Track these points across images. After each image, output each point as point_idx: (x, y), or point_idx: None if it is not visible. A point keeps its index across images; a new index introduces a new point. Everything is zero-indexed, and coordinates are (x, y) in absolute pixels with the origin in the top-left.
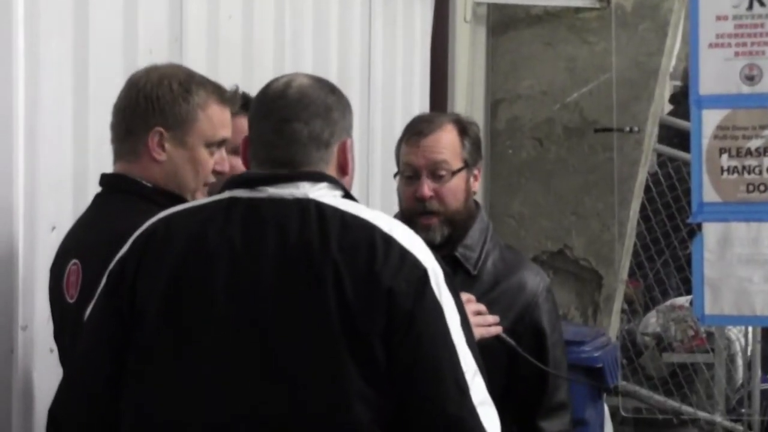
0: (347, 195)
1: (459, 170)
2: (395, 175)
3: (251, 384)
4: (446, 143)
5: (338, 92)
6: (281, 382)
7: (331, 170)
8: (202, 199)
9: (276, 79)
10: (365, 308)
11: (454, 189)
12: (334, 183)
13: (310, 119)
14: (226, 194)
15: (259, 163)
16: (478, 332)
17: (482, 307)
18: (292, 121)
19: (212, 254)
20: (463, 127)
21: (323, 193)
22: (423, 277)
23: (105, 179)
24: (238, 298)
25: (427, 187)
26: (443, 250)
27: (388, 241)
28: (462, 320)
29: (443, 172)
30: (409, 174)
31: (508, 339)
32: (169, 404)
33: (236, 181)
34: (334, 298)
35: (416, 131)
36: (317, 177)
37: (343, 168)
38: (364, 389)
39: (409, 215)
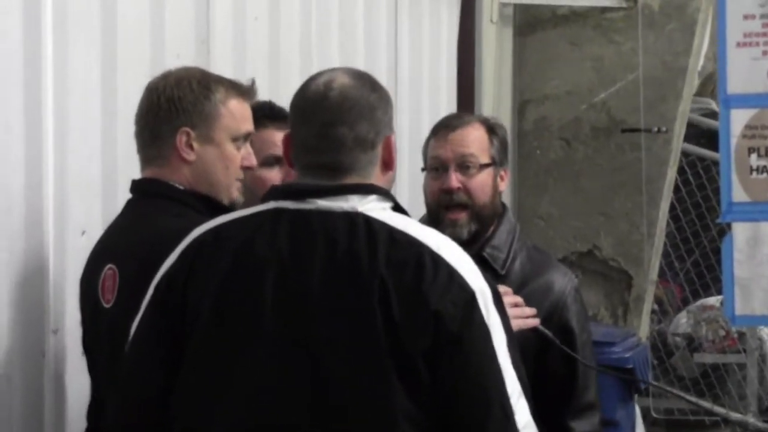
0: (397, 207)
1: (487, 165)
2: (423, 170)
3: (298, 398)
4: (475, 138)
5: (379, 88)
6: (328, 398)
7: (377, 169)
8: (248, 210)
9: (314, 78)
10: (411, 327)
11: (482, 183)
12: (384, 195)
13: (354, 122)
14: (272, 205)
15: (304, 169)
16: (516, 324)
17: (519, 299)
18: (337, 125)
19: (260, 266)
20: (491, 127)
21: (372, 207)
22: (471, 299)
23: (136, 185)
24: (285, 312)
25: (455, 178)
26: (470, 249)
27: (436, 259)
28: (509, 340)
29: (471, 165)
30: (436, 166)
31: (545, 330)
32: (217, 417)
33: (282, 192)
34: (380, 315)
35: (444, 125)
36: (366, 189)
37: (387, 164)
38: (410, 408)
39: (435, 210)
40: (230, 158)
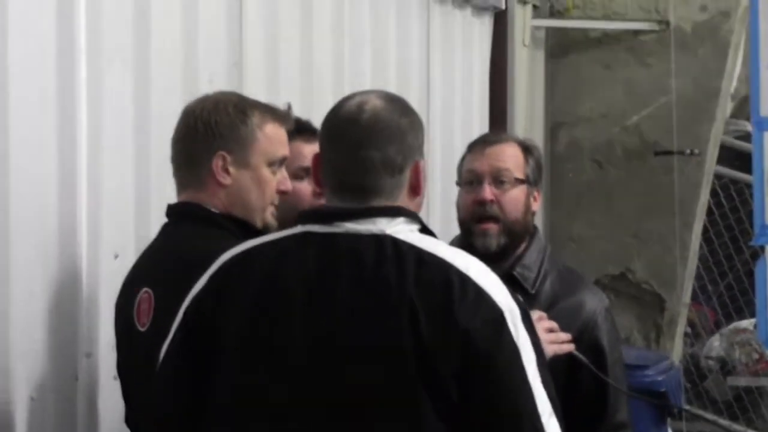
0: (424, 229)
1: (521, 182)
2: (457, 184)
3: (327, 421)
4: (511, 154)
5: (411, 112)
6: (359, 421)
7: (404, 194)
8: (276, 234)
9: (348, 98)
10: (440, 348)
11: (515, 199)
12: (411, 217)
13: (383, 145)
14: (300, 229)
15: (332, 190)
16: (551, 349)
17: (554, 325)
18: (366, 148)
19: (289, 291)
20: (527, 147)
21: (400, 229)
22: (500, 318)
23: (172, 208)
24: (314, 335)
25: (489, 191)
26: (500, 266)
27: (465, 279)
28: (538, 359)
29: (506, 180)
30: (471, 180)
31: (581, 356)
32: None
33: (311, 216)
34: (409, 336)
35: (482, 141)
36: (394, 212)
37: (415, 189)
38: (440, 429)
39: (467, 223)
40: (266, 182)
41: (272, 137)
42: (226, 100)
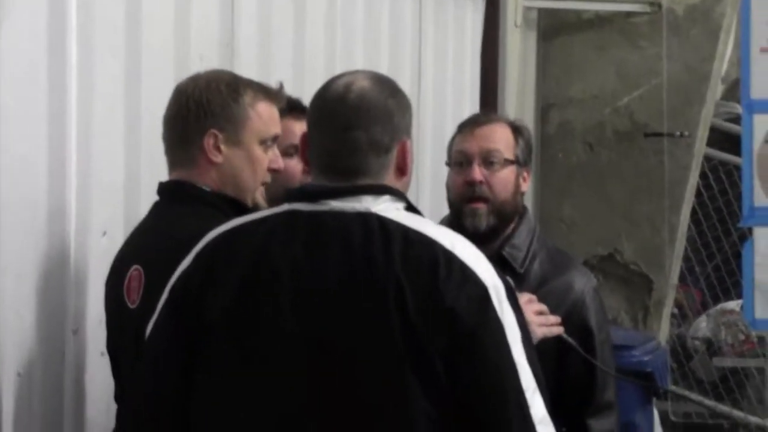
0: (410, 207)
1: (511, 162)
2: (447, 164)
3: (317, 400)
4: (501, 135)
5: (398, 92)
6: (346, 399)
7: (390, 174)
8: (262, 212)
9: (335, 79)
10: (427, 326)
11: (505, 179)
12: (397, 195)
13: (370, 126)
14: (286, 207)
15: (319, 171)
16: (540, 332)
17: (544, 307)
18: (352, 128)
19: (276, 269)
20: (517, 128)
21: (385, 207)
22: (484, 295)
23: (163, 187)
24: (302, 313)
25: (479, 171)
26: (490, 247)
27: (450, 257)
28: (523, 336)
29: (495, 161)
30: (461, 161)
31: (570, 339)
32: (233, 420)
33: (297, 194)
34: (396, 315)
35: (472, 121)
36: (379, 190)
37: (402, 169)
38: (428, 407)
39: (457, 204)
40: (258, 161)
41: (264, 116)
42: (218, 78)
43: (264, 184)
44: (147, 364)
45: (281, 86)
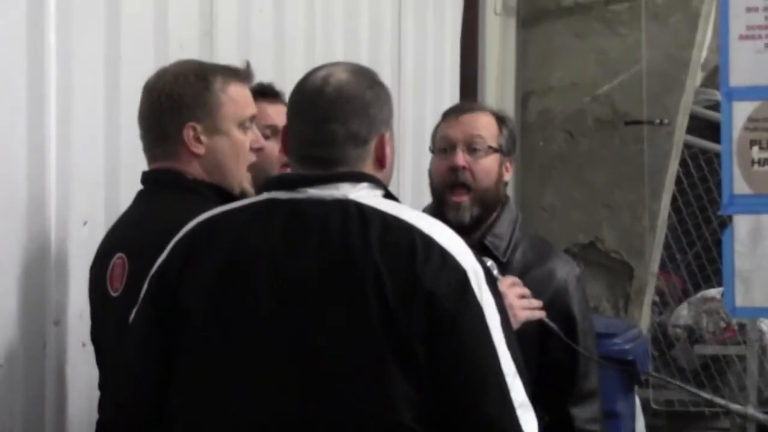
0: (388, 194)
1: (494, 150)
2: (431, 150)
3: (296, 386)
4: (485, 123)
5: (377, 85)
6: (326, 384)
7: (369, 165)
8: (242, 201)
9: (314, 71)
10: (406, 311)
11: (488, 167)
12: (375, 182)
13: (347, 119)
14: (265, 196)
15: (297, 160)
16: (523, 315)
17: (527, 291)
18: (330, 121)
19: (255, 257)
20: (502, 118)
21: (363, 194)
22: (463, 278)
23: (147, 175)
24: (281, 301)
25: (462, 157)
26: (473, 236)
27: (429, 242)
28: (503, 320)
29: (479, 148)
30: (444, 147)
31: (551, 323)
32: (214, 406)
33: (275, 183)
34: (375, 300)
35: (456, 109)
36: (357, 177)
37: (381, 161)
38: (408, 391)
39: (440, 191)
40: (240, 144)
41: (237, 98)
42: (185, 70)
43: (250, 166)
44: (128, 350)
45: (248, 65)
